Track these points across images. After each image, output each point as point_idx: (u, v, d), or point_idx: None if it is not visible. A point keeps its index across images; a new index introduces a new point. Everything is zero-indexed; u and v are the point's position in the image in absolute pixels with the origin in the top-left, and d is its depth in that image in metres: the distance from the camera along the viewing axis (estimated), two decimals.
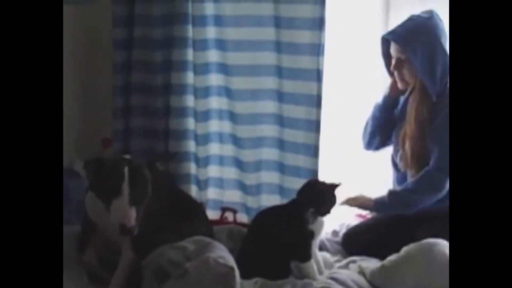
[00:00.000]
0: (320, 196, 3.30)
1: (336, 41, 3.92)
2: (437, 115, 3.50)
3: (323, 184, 3.38)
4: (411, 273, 3.14)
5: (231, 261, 3.00)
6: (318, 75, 3.57)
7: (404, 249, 3.23)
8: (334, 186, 3.34)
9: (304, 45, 3.57)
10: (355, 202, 3.69)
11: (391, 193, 3.62)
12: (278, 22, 3.62)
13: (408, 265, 3.17)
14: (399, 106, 3.76)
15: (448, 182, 3.42)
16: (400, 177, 3.77)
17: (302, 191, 3.36)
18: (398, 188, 3.73)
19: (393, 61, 3.61)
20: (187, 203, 3.57)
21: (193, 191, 3.91)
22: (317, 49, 3.55)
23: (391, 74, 3.71)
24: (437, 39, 3.49)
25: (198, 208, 3.64)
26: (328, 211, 3.32)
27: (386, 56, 3.70)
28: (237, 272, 2.94)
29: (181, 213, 3.41)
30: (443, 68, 3.49)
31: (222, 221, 3.88)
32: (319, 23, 3.52)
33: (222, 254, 3.01)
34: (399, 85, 3.65)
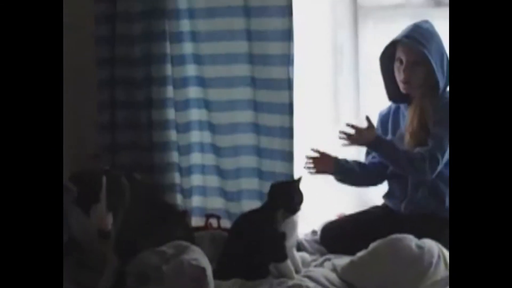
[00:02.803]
0: (287, 195, 3.44)
1: (305, 50, 4.07)
2: (440, 115, 3.57)
3: (287, 183, 3.55)
4: (378, 268, 3.29)
5: (204, 262, 3.18)
6: (289, 84, 3.72)
7: (372, 245, 3.37)
8: (297, 182, 3.49)
9: (275, 56, 3.73)
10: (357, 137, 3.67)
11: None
12: (249, 35, 3.79)
13: (375, 260, 3.31)
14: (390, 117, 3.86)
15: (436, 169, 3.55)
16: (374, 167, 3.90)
17: (270, 194, 3.51)
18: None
19: (403, 65, 3.64)
20: (167, 210, 3.77)
21: (178, 199, 4.04)
22: (287, 60, 3.70)
23: (388, 80, 3.77)
24: (442, 42, 3.62)
25: (177, 215, 3.84)
26: (298, 208, 3.46)
27: (385, 62, 3.75)
28: (209, 273, 3.13)
29: (161, 220, 3.59)
30: (447, 69, 3.60)
31: (207, 227, 4.02)
32: (288, 35, 3.68)
33: (196, 256, 3.19)
34: (403, 88, 3.70)
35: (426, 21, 3.68)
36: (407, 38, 3.63)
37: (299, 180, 3.50)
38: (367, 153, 3.91)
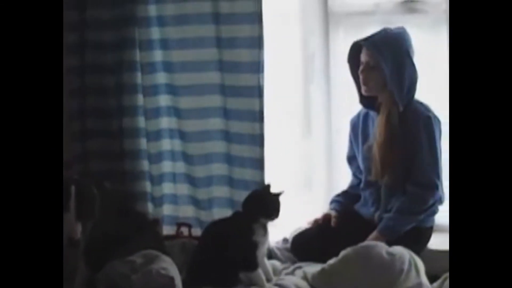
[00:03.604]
0: (265, 205, 3.45)
1: (276, 58, 4.06)
2: (405, 126, 3.61)
3: (263, 192, 3.55)
4: (349, 276, 3.29)
5: (172, 271, 3.18)
6: (259, 91, 3.72)
7: (343, 253, 3.37)
8: (274, 193, 3.50)
9: (245, 63, 3.73)
10: None
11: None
12: (219, 43, 3.78)
13: (346, 268, 3.31)
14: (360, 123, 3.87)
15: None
16: (357, 184, 3.93)
17: (247, 203, 3.51)
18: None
19: (362, 66, 3.68)
20: (138, 219, 3.75)
21: (149, 208, 4.02)
22: (257, 67, 3.70)
23: (356, 80, 3.78)
24: (407, 52, 3.62)
25: (148, 223, 3.82)
26: (277, 215, 3.47)
27: (353, 63, 3.77)
28: (178, 282, 3.13)
29: (131, 229, 3.56)
30: (410, 81, 3.61)
31: (178, 235, 4.00)
32: (258, 42, 3.68)
33: (165, 265, 3.19)
34: (363, 90, 3.72)
35: (400, 28, 3.69)
36: (366, 40, 3.65)
37: (269, 186, 3.53)
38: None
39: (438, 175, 3.60)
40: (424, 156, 3.58)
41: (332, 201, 3.95)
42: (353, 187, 3.95)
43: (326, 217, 3.88)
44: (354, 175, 3.96)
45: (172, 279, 3.09)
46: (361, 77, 3.69)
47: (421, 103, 3.68)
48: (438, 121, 3.66)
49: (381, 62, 3.59)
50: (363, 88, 3.71)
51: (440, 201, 3.67)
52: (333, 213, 3.87)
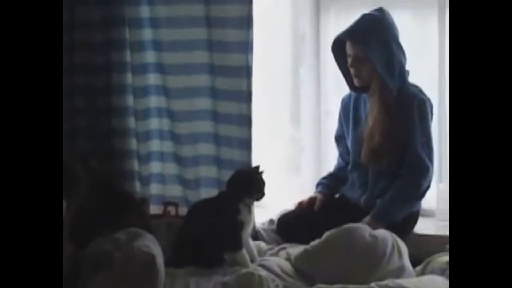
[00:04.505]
0: (249, 184, 3.43)
1: (265, 38, 4.05)
2: (400, 110, 3.59)
3: (248, 171, 3.52)
4: (331, 257, 3.28)
5: (155, 249, 3.16)
6: (247, 72, 3.70)
7: (326, 234, 3.36)
8: (257, 170, 3.47)
9: (234, 43, 3.71)
10: None
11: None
12: (209, 22, 3.76)
13: (328, 249, 3.31)
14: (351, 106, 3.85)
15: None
16: (344, 166, 3.92)
17: (231, 183, 3.49)
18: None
19: (349, 59, 3.66)
20: (124, 198, 3.74)
21: (137, 187, 4.01)
22: (246, 47, 3.68)
23: (344, 71, 3.77)
24: (392, 35, 3.59)
25: (134, 202, 3.80)
26: (262, 195, 3.45)
27: (338, 54, 3.75)
28: (159, 260, 3.11)
29: (117, 208, 3.57)
30: (400, 63, 3.59)
31: (165, 215, 3.99)
32: (247, 21, 3.66)
33: (148, 243, 3.18)
34: (356, 82, 3.71)
35: (379, 10, 3.64)
36: (350, 33, 3.63)
37: (257, 167, 3.49)
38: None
39: (430, 158, 3.59)
40: (417, 139, 3.58)
41: (319, 184, 3.95)
42: (340, 169, 3.95)
43: (311, 201, 3.88)
44: (341, 156, 3.95)
45: (153, 257, 3.07)
46: (351, 70, 3.68)
47: (414, 86, 3.66)
48: (430, 104, 3.65)
49: (369, 53, 3.57)
50: (355, 80, 3.70)
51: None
52: (319, 196, 3.86)
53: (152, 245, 3.17)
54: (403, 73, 3.61)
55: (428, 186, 3.63)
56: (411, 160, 3.59)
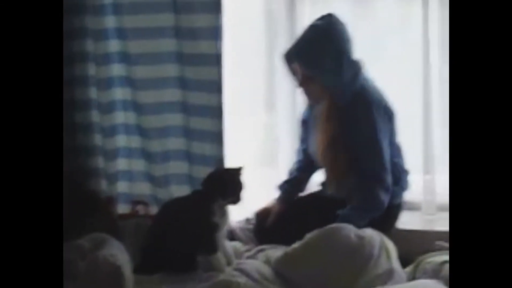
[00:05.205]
0: (226, 186, 3.24)
1: (236, 25, 3.84)
2: (352, 118, 3.40)
3: (227, 171, 3.34)
4: (314, 261, 3.09)
5: (121, 258, 2.99)
6: (217, 60, 3.50)
7: (308, 236, 3.18)
8: (238, 171, 3.28)
9: (202, 29, 3.50)
10: None
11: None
12: (175, 7, 3.55)
13: (311, 252, 3.12)
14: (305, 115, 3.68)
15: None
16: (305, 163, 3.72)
17: (207, 182, 3.29)
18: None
19: (299, 77, 3.45)
20: (88, 198, 3.59)
21: (103, 185, 3.83)
22: (215, 33, 3.47)
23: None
24: (341, 45, 3.37)
25: (99, 202, 3.65)
26: (238, 199, 3.26)
27: (290, 68, 3.54)
28: (126, 270, 2.94)
29: (82, 208, 3.43)
30: (352, 73, 3.38)
31: (133, 214, 3.82)
32: (216, 6, 3.45)
33: (114, 251, 3.01)
34: (308, 100, 3.55)
35: (327, 19, 3.40)
36: (295, 54, 3.42)
37: (240, 169, 3.29)
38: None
39: (382, 165, 3.37)
40: (366, 148, 3.38)
41: (280, 187, 3.73)
42: (300, 170, 3.74)
43: (265, 211, 3.68)
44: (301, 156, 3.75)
45: (119, 267, 2.90)
46: (301, 90, 3.50)
47: (369, 90, 3.43)
48: (384, 108, 3.43)
49: (316, 73, 3.38)
50: (307, 99, 3.54)
51: (402, 187, 3.52)
52: (276, 205, 3.67)
53: (118, 253, 3.01)
54: (354, 82, 3.39)
55: (389, 193, 3.40)
56: (361, 170, 3.39)
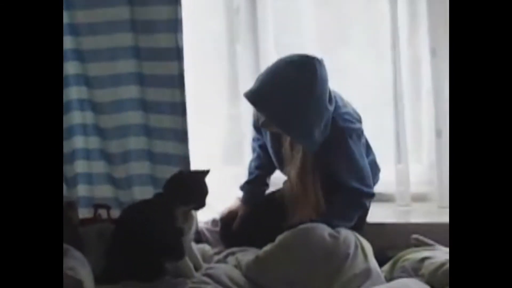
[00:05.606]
0: (188, 191, 3.09)
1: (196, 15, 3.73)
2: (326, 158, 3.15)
3: (189, 175, 3.19)
4: (287, 264, 3.00)
5: (82, 272, 2.89)
6: (178, 53, 3.37)
7: (279, 238, 3.07)
8: (202, 175, 3.13)
9: (160, 22, 3.36)
10: None
11: None
12: (131, 0, 3.41)
13: (283, 254, 3.02)
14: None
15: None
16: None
17: (168, 187, 3.15)
18: None
19: (261, 119, 3.17)
20: None
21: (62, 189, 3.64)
22: (175, 25, 3.34)
23: None
24: (309, 95, 3.02)
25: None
26: (202, 205, 3.12)
27: None
28: (87, 284, 2.84)
29: None
30: (325, 123, 3.06)
31: (95, 219, 3.69)
32: None
33: (74, 264, 2.90)
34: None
35: (299, 62, 3.03)
36: (255, 96, 3.06)
37: (206, 172, 3.14)
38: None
39: (367, 185, 3.23)
40: (346, 171, 3.19)
41: (242, 188, 3.56)
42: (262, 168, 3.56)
43: (231, 215, 3.52)
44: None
45: (80, 282, 2.79)
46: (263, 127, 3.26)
47: (340, 125, 3.13)
48: (355, 128, 3.18)
49: (281, 128, 3.10)
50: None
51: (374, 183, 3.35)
52: (241, 209, 3.50)
53: (79, 266, 2.90)
54: (326, 130, 3.09)
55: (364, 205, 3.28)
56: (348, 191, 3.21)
